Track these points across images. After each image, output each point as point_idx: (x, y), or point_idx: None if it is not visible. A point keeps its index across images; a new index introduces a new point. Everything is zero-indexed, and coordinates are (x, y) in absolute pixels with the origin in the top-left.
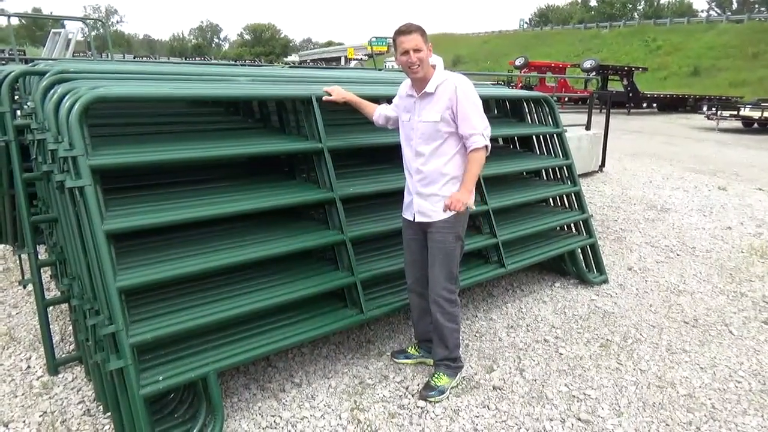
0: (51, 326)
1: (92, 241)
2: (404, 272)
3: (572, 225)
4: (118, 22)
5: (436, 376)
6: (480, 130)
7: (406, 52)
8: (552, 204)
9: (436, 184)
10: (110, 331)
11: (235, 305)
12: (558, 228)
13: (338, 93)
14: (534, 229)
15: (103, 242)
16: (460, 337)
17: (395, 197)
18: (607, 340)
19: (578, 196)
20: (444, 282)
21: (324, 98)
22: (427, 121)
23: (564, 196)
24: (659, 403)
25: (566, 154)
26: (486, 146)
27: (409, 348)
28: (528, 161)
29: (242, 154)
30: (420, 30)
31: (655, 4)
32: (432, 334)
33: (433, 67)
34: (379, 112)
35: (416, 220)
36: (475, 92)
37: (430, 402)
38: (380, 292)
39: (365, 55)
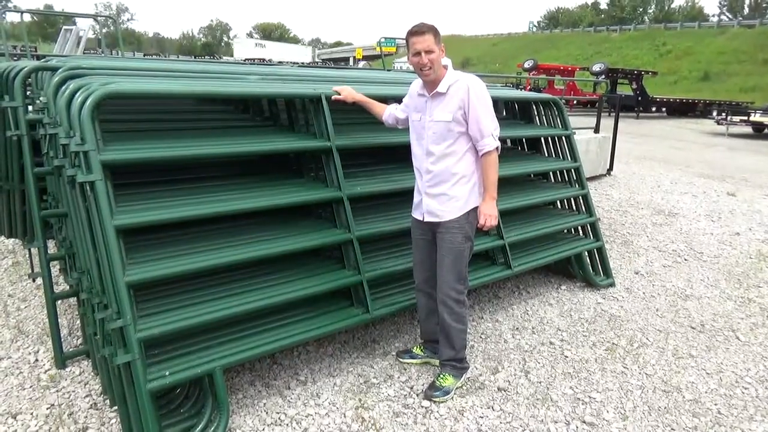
0: (59, 320)
1: (102, 236)
2: (411, 271)
3: (579, 228)
4: (128, 19)
5: (441, 376)
6: (490, 131)
7: (417, 54)
8: (559, 207)
9: (446, 184)
10: (118, 325)
11: (241, 302)
12: (565, 231)
13: (348, 93)
14: (541, 232)
15: (112, 237)
16: (467, 338)
17: (403, 197)
18: (613, 343)
19: (586, 199)
20: (453, 282)
21: (333, 97)
22: (439, 121)
23: (572, 198)
24: (665, 408)
25: (575, 157)
26: (497, 147)
27: (414, 348)
28: (536, 163)
29: (252, 151)
30: (433, 30)
31: (666, 8)
32: (439, 334)
33: (445, 67)
34: (388, 113)
35: (425, 220)
36: (487, 93)
37: (435, 402)
38: (387, 292)
39: (367, 62)
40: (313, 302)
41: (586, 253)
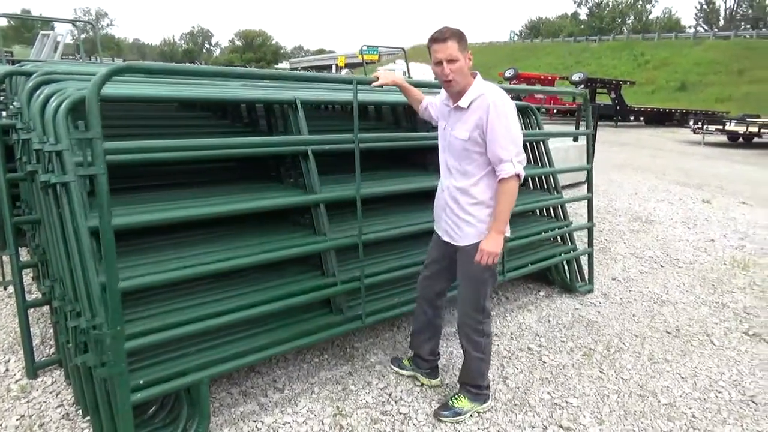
0: (31, 329)
1: (75, 240)
2: (401, 280)
3: (567, 235)
4: (108, 25)
5: (455, 397)
6: (511, 156)
7: (439, 63)
8: (547, 214)
9: (464, 204)
10: (109, 335)
11: (222, 309)
12: (551, 239)
13: (385, 77)
14: (529, 239)
15: (86, 239)
16: (486, 369)
17: (391, 202)
18: (590, 349)
19: (589, 204)
20: (470, 312)
21: (373, 84)
22: (457, 138)
23: (561, 206)
24: (640, 412)
25: (550, 163)
26: (517, 174)
27: (404, 359)
28: (535, 170)
29: (230, 154)
30: (456, 36)
31: (644, 19)
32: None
33: (473, 75)
34: (426, 104)
35: (444, 239)
36: (513, 111)
37: (442, 421)
38: (377, 297)
39: (349, 70)
40: (298, 311)
41: (575, 260)
